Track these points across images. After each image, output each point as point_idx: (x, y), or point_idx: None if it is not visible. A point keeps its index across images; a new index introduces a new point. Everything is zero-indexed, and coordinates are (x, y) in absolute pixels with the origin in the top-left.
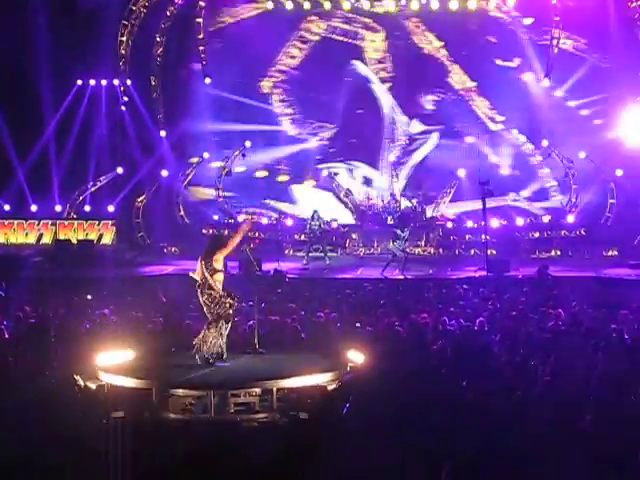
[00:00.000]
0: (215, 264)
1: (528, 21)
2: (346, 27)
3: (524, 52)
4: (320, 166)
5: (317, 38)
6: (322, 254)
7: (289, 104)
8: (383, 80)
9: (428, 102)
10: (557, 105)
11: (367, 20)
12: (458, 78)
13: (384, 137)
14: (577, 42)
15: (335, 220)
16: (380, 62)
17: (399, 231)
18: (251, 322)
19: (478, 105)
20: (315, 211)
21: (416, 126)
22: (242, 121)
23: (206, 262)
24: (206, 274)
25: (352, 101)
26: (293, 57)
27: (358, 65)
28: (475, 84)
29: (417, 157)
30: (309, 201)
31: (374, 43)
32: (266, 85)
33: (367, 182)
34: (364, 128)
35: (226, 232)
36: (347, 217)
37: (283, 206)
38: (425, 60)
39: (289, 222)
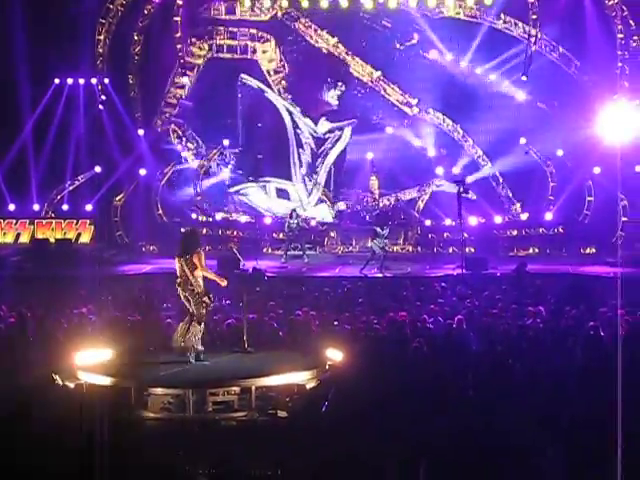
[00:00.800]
0: (195, 261)
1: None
2: (232, 42)
3: (421, 30)
4: (230, 190)
5: (201, 61)
6: (300, 252)
7: (187, 139)
8: (285, 89)
9: (333, 99)
10: (477, 84)
11: (253, 31)
12: (362, 70)
13: (290, 145)
14: (552, 40)
15: (313, 218)
16: (277, 72)
17: (379, 229)
18: (230, 320)
19: (389, 93)
20: (294, 210)
21: (324, 125)
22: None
23: (185, 259)
24: (186, 270)
25: (250, 117)
26: (182, 87)
27: (247, 78)
28: (380, 73)
29: (332, 156)
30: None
31: (266, 53)
32: (159, 122)
33: (282, 194)
34: (268, 141)
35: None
36: (325, 214)
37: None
38: (324, 58)
39: (267, 220)
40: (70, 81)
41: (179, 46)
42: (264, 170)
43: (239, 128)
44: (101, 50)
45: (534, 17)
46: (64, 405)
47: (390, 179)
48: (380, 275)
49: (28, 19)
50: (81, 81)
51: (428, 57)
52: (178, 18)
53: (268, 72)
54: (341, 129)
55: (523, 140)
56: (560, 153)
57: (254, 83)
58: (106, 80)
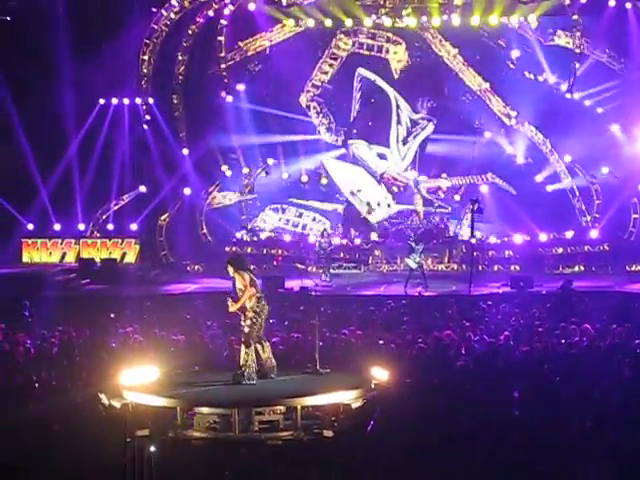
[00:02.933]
0: (238, 285)
1: (534, 24)
2: (371, 42)
3: (531, 52)
4: (349, 142)
5: (344, 54)
6: (329, 271)
7: (324, 115)
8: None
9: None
10: (571, 104)
11: (389, 34)
12: (473, 79)
13: (392, 120)
14: (601, 53)
15: (344, 237)
16: (402, 72)
17: (414, 244)
18: (274, 339)
19: (493, 103)
20: (325, 229)
21: (419, 114)
22: (279, 133)
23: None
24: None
25: (365, 97)
26: (325, 73)
27: (363, 71)
28: (488, 84)
29: (420, 137)
30: (344, 179)
31: (397, 54)
32: (304, 99)
33: (381, 157)
34: (377, 114)
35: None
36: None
37: (308, 203)
38: (441, 66)
39: (312, 239)
40: (115, 101)
41: (223, 66)
42: (370, 135)
43: (355, 106)
44: (145, 70)
45: (578, 34)
46: (110, 425)
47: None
48: (425, 293)
49: (73, 39)
50: (126, 101)
51: (532, 77)
52: (222, 38)
53: (395, 70)
54: (429, 120)
55: (568, 158)
56: (605, 170)
57: (369, 75)
58: (150, 100)
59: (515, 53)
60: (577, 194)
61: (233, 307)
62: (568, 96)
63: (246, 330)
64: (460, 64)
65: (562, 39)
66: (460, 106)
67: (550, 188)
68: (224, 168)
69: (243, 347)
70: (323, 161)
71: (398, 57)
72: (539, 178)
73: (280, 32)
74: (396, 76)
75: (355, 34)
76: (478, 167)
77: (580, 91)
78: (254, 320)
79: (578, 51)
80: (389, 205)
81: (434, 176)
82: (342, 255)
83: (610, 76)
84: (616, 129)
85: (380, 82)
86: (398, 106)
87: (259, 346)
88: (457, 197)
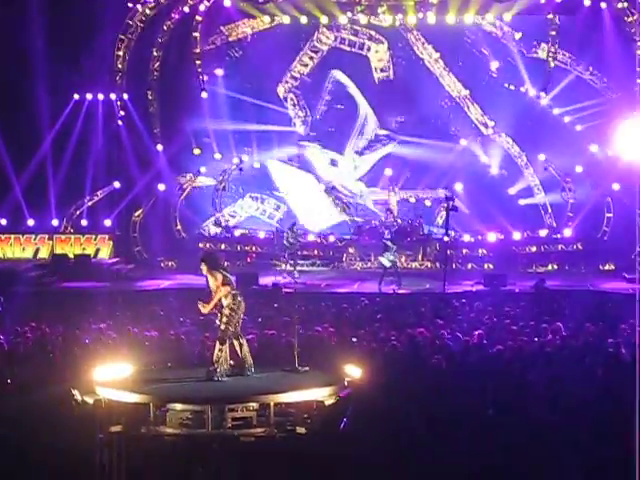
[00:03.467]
0: (210, 284)
1: (518, 35)
2: (353, 38)
3: (514, 64)
4: (302, 143)
5: (325, 48)
6: (293, 267)
7: (300, 107)
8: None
9: (416, 109)
10: (550, 118)
11: (372, 32)
12: (453, 85)
13: (354, 129)
14: (571, 57)
15: (310, 233)
16: (382, 70)
17: (389, 243)
18: (249, 336)
19: (472, 110)
20: (293, 223)
21: (383, 130)
22: (254, 121)
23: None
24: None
25: (334, 101)
26: (305, 65)
27: (337, 74)
28: (468, 92)
29: (378, 154)
30: (287, 182)
31: (378, 53)
32: (281, 90)
33: (333, 163)
34: (340, 121)
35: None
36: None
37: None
38: (422, 69)
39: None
40: (89, 97)
41: (198, 62)
42: (328, 141)
43: (320, 106)
44: (120, 66)
45: (553, 33)
46: (83, 421)
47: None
48: (399, 291)
49: (47, 35)
50: (100, 97)
51: (513, 88)
52: (197, 34)
53: (375, 69)
54: (392, 139)
55: (542, 156)
56: (579, 169)
57: (343, 79)
58: (125, 96)
59: (495, 64)
60: (549, 210)
61: (206, 309)
62: (543, 97)
63: (222, 327)
64: (441, 69)
65: (544, 52)
66: (437, 111)
67: (523, 202)
68: (196, 151)
69: (217, 344)
70: (267, 162)
71: (379, 56)
72: (512, 191)
73: (262, 21)
74: (376, 76)
75: (338, 29)
76: (451, 175)
77: (560, 107)
78: (230, 317)
79: (556, 65)
80: (331, 215)
81: (396, 184)
82: (315, 252)
83: (591, 93)
84: (595, 149)
85: (353, 90)
86: (365, 118)
87: (236, 342)
88: (428, 203)
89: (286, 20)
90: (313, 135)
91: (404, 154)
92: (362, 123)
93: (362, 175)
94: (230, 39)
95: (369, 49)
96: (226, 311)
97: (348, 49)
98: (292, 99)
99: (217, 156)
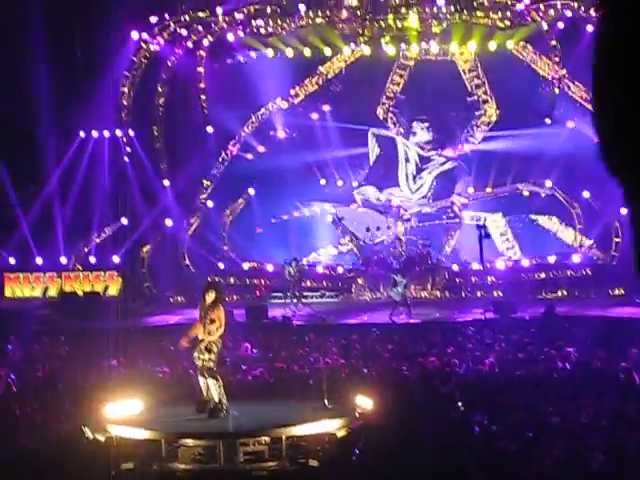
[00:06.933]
0: (211, 315)
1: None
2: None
3: None
4: (356, 191)
5: (412, 63)
6: (296, 299)
7: (400, 124)
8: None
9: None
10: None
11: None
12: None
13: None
14: (576, 80)
15: (313, 265)
16: (471, 71)
17: (397, 277)
18: (257, 371)
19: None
20: (294, 258)
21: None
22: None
23: (204, 311)
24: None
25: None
26: (397, 84)
27: (373, 131)
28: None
29: (433, 174)
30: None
31: (463, 55)
32: (381, 112)
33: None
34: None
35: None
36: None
37: None
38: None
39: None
40: (95, 134)
41: (203, 97)
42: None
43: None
44: (125, 102)
45: (557, 59)
46: (95, 458)
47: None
48: (409, 321)
49: (52, 73)
50: (106, 133)
51: None
52: (201, 69)
53: (464, 71)
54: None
55: (549, 183)
56: (587, 195)
57: (378, 132)
58: (131, 132)
59: None
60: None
61: (212, 336)
62: (548, 121)
63: (211, 365)
64: (531, 53)
65: None
66: (531, 97)
67: None
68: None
69: (213, 380)
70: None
71: (465, 57)
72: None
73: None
74: (466, 78)
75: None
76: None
77: None
78: (218, 354)
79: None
80: (389, 227)
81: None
82: (325, 284)
83: None
84: None
85: (385, 132)
86: (406, 146)
87: (215, 381)
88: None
89: (290, 53)
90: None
91: (492, 149)
92: (404, 151)
93: (424, 196)
94: (329, 76)
95: (453, 53)
96: (215, 348)
97: (434, 58)
98: (392, 118)
99: (209, 204)
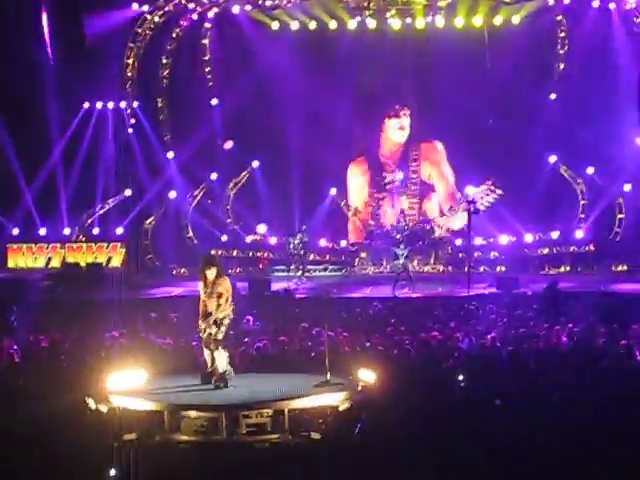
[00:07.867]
0: (216, 288)
1: None
2: None
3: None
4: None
5: None
6: (301, 272)
7: None
8: None
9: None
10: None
11: None
12: None
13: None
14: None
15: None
16: None
17: (398, 250)
18: (259, 343)
19: None
20: (299, 230)
21: None
22: None
23: (210, 287)
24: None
25: None
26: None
27: None
28: None
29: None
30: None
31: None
32: None
33: None
34: None
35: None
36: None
37: None
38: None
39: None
40: (99, 105)
41: (208, 69)
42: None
43: None
44: (130, 74)
45: (562, 35)
46: (97, 429)
47: None
48: (412, 295)
49: (57, 44)
50: (110, 105)
51: None
52: (206, 41)
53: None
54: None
55: (553, 158)
56: (591, 171)
57: None
58: (135, 103)
59: None
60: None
61: (224, 311)
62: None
63: (219, 337)
64: None
65: None
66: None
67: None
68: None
69: (221, 352)
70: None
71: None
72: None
73: None
74: None
75: None
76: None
77: None
78: (228, 326)
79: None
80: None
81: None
82: (327, 257)
83: None
84: None
85: None
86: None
87: (223, 352)
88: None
89: (294, 26)
90: None
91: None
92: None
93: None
94: None
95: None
96: (226, 320)
97: None
98: None
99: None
